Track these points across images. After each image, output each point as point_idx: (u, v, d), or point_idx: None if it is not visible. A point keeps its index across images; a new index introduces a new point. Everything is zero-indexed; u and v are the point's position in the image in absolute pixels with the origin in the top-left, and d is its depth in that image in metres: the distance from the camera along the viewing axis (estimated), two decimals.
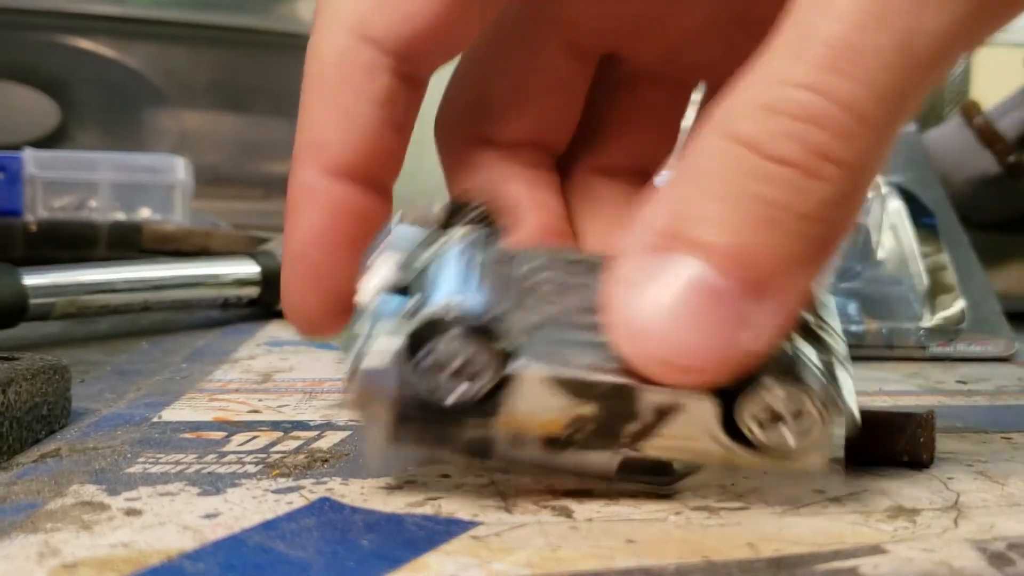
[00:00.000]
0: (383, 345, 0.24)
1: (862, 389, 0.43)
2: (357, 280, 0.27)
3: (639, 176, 0.34)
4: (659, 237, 0.23)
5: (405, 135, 0.30)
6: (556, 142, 0.33)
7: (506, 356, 0.24)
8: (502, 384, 0.25)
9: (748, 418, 0.25)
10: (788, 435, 0.25)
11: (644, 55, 0.33)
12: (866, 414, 0.28)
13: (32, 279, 0.49)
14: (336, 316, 0.29)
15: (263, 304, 0.61)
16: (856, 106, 0.22)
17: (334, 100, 0.29)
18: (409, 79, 0.29)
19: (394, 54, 0.29)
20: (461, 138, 0.33)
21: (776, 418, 0.25)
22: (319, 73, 0.29)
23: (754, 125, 0.22)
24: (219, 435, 0.33)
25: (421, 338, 0.24)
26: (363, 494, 0.27)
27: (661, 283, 0.23)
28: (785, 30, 0.23)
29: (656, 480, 0.27)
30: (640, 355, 0.24)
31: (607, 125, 0.33)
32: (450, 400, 0.25)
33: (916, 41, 0.22)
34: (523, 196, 0.32)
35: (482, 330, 0.24)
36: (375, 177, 0.30)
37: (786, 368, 0.25)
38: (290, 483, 0.28)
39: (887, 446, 0.30)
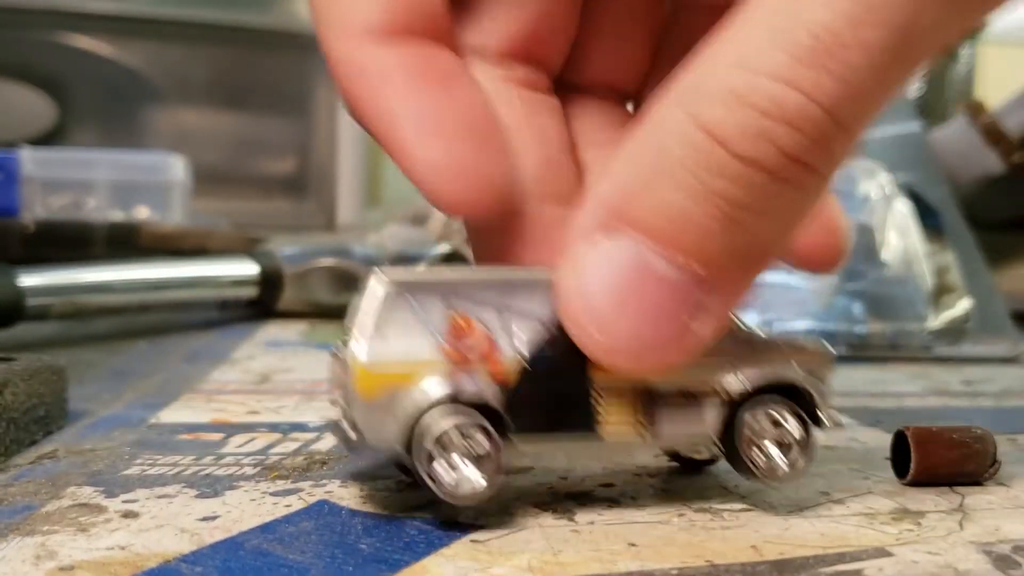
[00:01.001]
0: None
1: (867, 391, 0.43)
2: None
3: (622, 97, 0.31)
4: (612, 215, 0.22)
5: None
6: (552, 58, 0.29)
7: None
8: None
9: (749, 433, 0.26)
10: (782, 464, 0.26)
11: None
12: (929, 435, 0.28)
13: (29, 279, 0.49)
14: (462, 148, 0.25)
15: (262, 304, 0.61)
16: (836, 108, 0.20)
17: None
18: None
19: None
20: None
21: (778, 444, 0.26)
22: None
23: (724, 116, 0.20)
24: (217, 437, 0.33)
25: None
26: (362, 497, 0.27)
27: (611, 267, 0.22)
28: (764, 3, 0.21)
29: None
30: (586, 341, 0.23)
31: (583, 37, 0.30)
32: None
33: (911, 38, 0.20)
34: (521, 124, 0.28)
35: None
36: (416, 25, 0.26)
37: (799, 397, 0.26)
38: (288, 485, 0.28)
39: (956, 469, 0.29)
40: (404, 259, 0.58)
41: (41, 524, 0.24)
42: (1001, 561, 0.23)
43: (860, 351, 0.50)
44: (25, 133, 0.96)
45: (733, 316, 0.26)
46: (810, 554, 0.23)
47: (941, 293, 0.52)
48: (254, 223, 0.83)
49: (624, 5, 0.30)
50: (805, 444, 0.26)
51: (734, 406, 0.26)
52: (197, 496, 0.27)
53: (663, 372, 0.25)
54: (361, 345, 0.24)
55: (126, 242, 0.63)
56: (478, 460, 0.24)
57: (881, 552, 0.23)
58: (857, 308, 0.51)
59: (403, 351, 0.24)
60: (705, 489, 0.28)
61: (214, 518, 0.25)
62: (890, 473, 0.29)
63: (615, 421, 0.25)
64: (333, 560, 0.22)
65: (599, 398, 0.25)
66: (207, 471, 0.29)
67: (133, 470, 0.29)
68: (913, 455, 0.28)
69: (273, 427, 0.34)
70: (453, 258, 0.56)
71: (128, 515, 0.25)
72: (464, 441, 0.24)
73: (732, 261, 0.22)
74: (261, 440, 0.33)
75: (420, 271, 0.25)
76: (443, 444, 0.24)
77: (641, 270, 0.22)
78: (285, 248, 0.63)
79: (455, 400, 0.24)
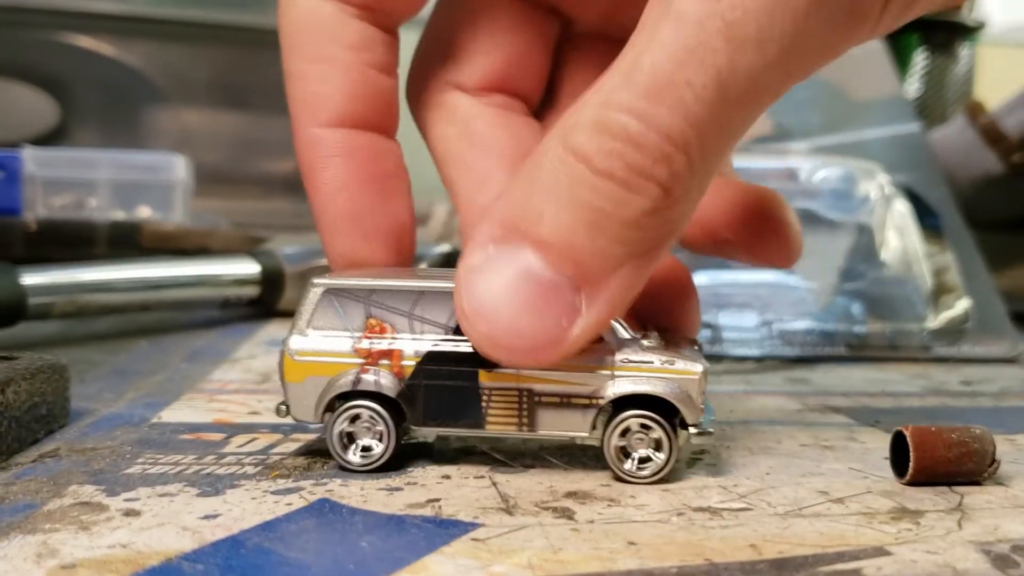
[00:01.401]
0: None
1: (866, 390, 0.43)
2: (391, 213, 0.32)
3: None
4: (500, 228, 0.26)
5: (391, 77, 0.32)
6: (527, 91, 0.34)
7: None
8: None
9: (614, 437, 0.29)
10: (641, 465, 0.29)
11: (587, 15, 0.34)
12: (928, 435, 0.29)
13: (31, 278, 0.49)
14: (377, 250, 0.32)
15: (263, 303, 0.61)
16: (672, 133, 0.24)
17: (312, 54, 0.31)
18: (378, 25, 0.32)
19: (357, 4, 0.31)
20: (432, 85, 0.34)
21: (639, 447, 0.29)
22: (291, 35, 0.32)
23: (587, 140, 0.25)
24: (218, 436, 0.33)
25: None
26: (363, 495, 0.27)
27: (498, 271, 0.26)
28: (626, 51, 0.25)
29: None
30: (474, 335, 0.26)
31: (559, 83, 0.35)
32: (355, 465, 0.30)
33: (729, 80, 0.24)
34: (498, 131, 0.33)
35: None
36: (371, 118, 0.32)
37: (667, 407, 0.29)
38: (290, 484, 0.28)
39: (955, 469, 0.29)
40: None
41: (43, 522, 0.24)
42: (1000, 560, 0.23)
43: (859, 351, 0.50)
44: (27, 133, 0.96)
45: (620, 330, 0.29)
46: (809, 553, 0.23)
47: (940, 293, 0.52)
48: (255, 223, 0.83)
49: (597, 52, 0.34)
50: (665, 449, 0.28)
51: (604, 411, 0.29)
52: (198, 495, 0.27)
53: (542, 367, 0.28)
54: (291, 338, 0.30)
55: (128, 241, 0.63)
56: (373, 436, 0.29)
57: (880, 551, 0.23)
58: (856, 308, 0.51)
59: (323, 346, 0.30)
60: (704, 488, 0.28)
61: (215, 516, 0.25)
62: (889, 473, 0.30)
63: (498, 418, 0.29)
64: (334, 558, 0.23)
65: (486, 397, 0.29)
66: (208, 470, 0.29)
67: (135, 469, 0.29)
68: (912, 455, 0.28)
69: (274, 427, 0.34)
70: (453, 257, 0.56)
71: (129, 513, 0.25)
72: (360, 424, 0.29)
73: (601, 264, 0.25)
74: (262, 440, 0.33)
75: (354, 278, 0.30)
76: (345, 425, 0.29)
77: (523, 273, 0.26)
78: (286, 247, 0.63)
79: (357, 390, 0.29)
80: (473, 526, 0.25)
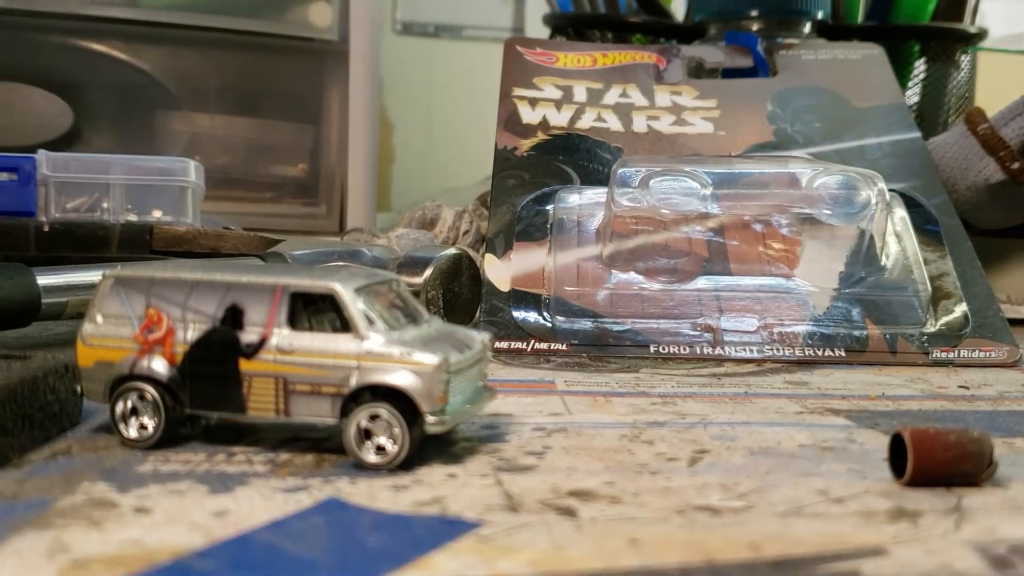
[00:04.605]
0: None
1: (864, 393, 0.43)
2: None
3: None
4: None
5: None
6: None
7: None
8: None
9: (352, 423, 0.30)
10: (371, 452, 0.30)
11: None
12: (926, 436, 0.29)
13: (45, 279, 0.50)
14: None
15: None
16: None
17: None
18: None
19: None
20: None
21: (375, 435, 0.30)
22: None
23: None
24: (228, 435, 0.33)
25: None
26: (370, 493, 0.27)
27: None
28: None
29: None
30: None
31: None
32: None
33: None
34: None
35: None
36: None
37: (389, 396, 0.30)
38: (299, 482, 0.28)
39: (953, 470, 0.29)
40: (412, 261, 0.58)
41: (55, 519, 0.25)
42: (997, 561, 0.23)
43: (859, 355, 0.50)
44: (41, 136, 0.97)
45: (365, 321, 0.30)
46: (808, 552, 0.24)
47: (939, 298, 0.52)
48: (265, 227, 0.83)
49: None
50: (399, 438, 0.30)
51: (347, 400, 0.30)
52: (209, 492, 0.27)
53: None
54: (83, 324, 0.32)
55: (139, 243, 0.63)
56: (150, 417, 0.31)
57: (878, 551, 0.24)
58: (856, 312, 0.51)
59: (109, 332, 0.32)
60: (705, 487, 0.29)
61: (225, 514, 0.25)
62: (887, 474, 0.30)
63: (258, 404, 0.31)
64: (341, 555, 0.23)
65: (247, 384, 0.31)
66: (219, 468, 0.30)
67: (146, 467, 0.30)
68: (910, 456, 0.29)
69: (283, 426, 0.35)
70: (460, 260, 0.56)
71: (141, 510, 0.26)
72: (138, 404, 0.31)
73: None
74: (272, 439, 0.33)
75: (139, 270, 0.32)
76: (124, 406, 0.32)
77: None
78: (295, 250, 0.63)
79: (134, 374, 0.31)
80: (478, 524, 0.25)
